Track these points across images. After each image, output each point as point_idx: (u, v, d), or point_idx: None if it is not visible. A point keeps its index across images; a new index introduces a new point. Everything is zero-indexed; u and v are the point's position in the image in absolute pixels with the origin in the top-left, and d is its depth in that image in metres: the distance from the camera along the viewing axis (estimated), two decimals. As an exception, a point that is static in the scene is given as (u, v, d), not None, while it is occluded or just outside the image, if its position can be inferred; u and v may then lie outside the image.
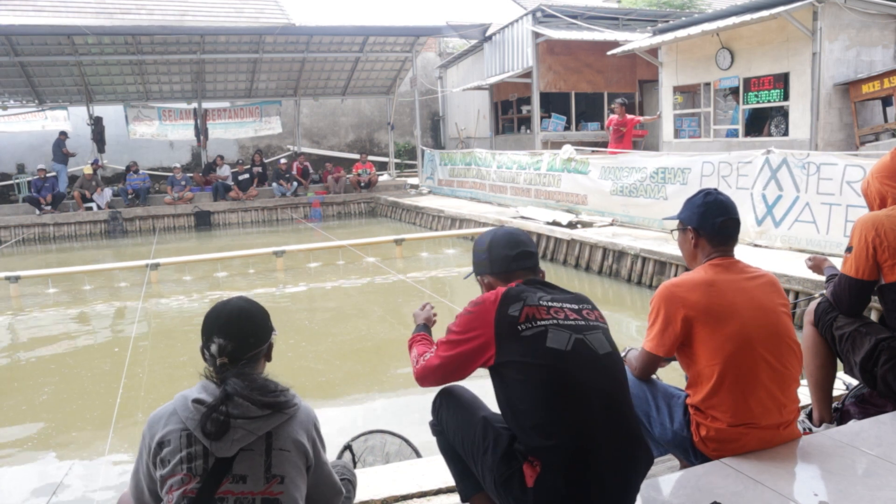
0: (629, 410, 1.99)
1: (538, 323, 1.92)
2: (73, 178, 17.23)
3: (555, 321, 1.94)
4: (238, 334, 1.81)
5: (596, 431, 1.86)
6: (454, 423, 2.15)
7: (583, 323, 1.99)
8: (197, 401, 1.71)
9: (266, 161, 19.81)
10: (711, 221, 2.45)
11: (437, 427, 2.24)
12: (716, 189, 2.57)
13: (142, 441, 1.79)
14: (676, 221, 2.60)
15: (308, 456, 1.79)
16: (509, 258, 2.15)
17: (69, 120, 17.19)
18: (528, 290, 2.01)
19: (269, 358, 1.92)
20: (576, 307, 2.03)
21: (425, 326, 2.47)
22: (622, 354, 2.67)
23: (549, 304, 1.98)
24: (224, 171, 17.20)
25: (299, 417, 1.79)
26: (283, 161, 18.31)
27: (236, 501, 1.67)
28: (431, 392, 2.30)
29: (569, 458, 1.84)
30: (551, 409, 1.86)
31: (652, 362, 2.48)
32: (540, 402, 1.87)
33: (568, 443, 1.84)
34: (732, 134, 12.23)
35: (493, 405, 2.21)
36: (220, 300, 1.91)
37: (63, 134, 16.72)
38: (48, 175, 16.07)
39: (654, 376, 2.60)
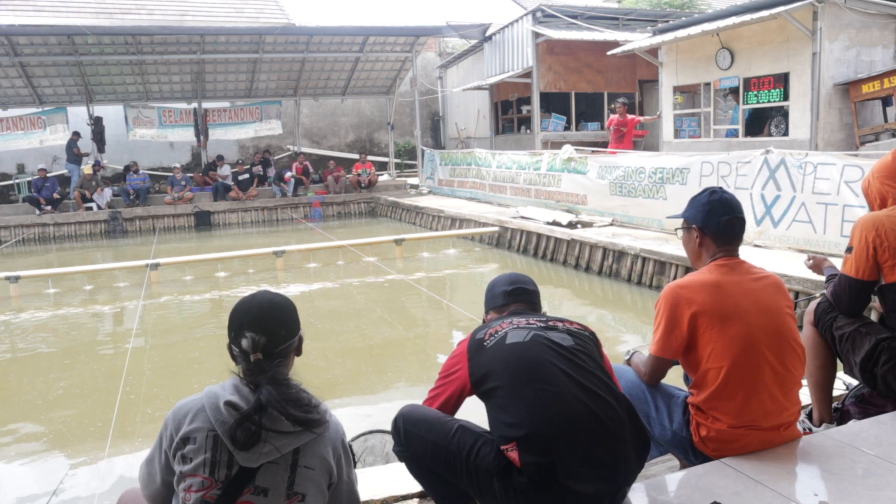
0: (609, 392, 2.01)
1: (498, 332, 2.12)
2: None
3: (514, 327, 2.12)
4: (270, 327, 1.76)
5: (570, 413, 1.90)
6: (424, 441, 2.11)
7: (543, 325, 2.13)
8: (230, 404, 1.65)
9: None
10: (717, 220, 2.43)
11: (406, 453, 2.21)
12: (720, 188, 2.56)
13: (163, 429, 1.74)
14: (680, 221, 2.59)
15: (332, 474, 1.76)
16: (506, 293, 2.37)
17: (68, 130, 17.15)
18: (498, 318, 2.24)
19: (299, 352, 1.88)
20: (543, 319, 2.18)
21: None
22: (625, 358, 2.67)
23: (512, 318, 2.18)
24: (224, 171, 17.19)
25: (328, 435, 1.75)
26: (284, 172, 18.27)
27: None
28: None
29: (545, 439, 1.87)
30: (521, 394, 1.94)
31: (660, 366, 2.46)
32: (511, 392, 1.96)
33: (542, 423, 1.88)
34: (732, 134, 12.23)
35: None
36: (246, 295, 1.85)
37: (76, 134, 16.75)
38: (49, 175, 16.09)
39: None
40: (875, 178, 2.91)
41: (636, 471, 2.02)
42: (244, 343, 1.72)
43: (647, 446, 2.06)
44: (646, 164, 9.66)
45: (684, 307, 2.34)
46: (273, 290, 1.95)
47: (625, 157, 10.42)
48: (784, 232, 7.59)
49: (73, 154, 16.49)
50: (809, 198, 7.27)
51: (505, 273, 2.51)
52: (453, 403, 2.17)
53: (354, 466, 3.05)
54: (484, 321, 2.41)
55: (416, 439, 2.14)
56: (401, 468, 2.90)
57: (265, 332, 1.74)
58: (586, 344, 2.12)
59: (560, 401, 1.91)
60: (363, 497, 2.64)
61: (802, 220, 7.37)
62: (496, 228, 11.57)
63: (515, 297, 2.36)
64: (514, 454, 1.91)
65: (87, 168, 16.02)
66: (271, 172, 17.81)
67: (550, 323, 2.16)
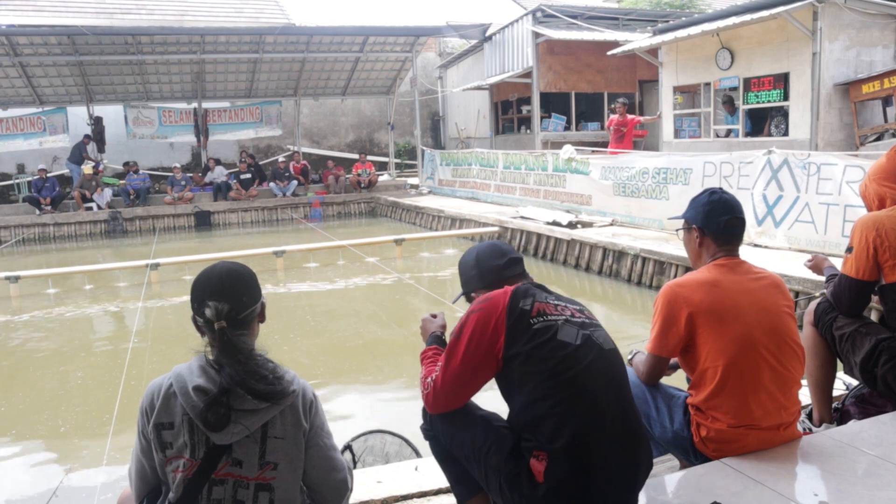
0: (631, 404, 2.02)
1: (549, 317, 1.96)
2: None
3: (564, 317, 1.98)
4: (231, 294, 1.77)
5: (603, 423, 1.88)
6: (450, 426, 2.12)
7: (587, 321, 2.03)
8: (198, 389, 1.69)
9: (264, 161, 19.84)
10: (716, 220, 2.44)
11: (430, 432, 2.21)
12: (720, 188, 2.57)
13: (141, 418, 1.78)
14: (682, 221, 2.60)
15: (305, 433, 1.80)
16: (499, 267, 2.19)
17: (68, 131, 17.15)
18: (533, 288, 2.05)
19: (262, 319, 1.90)
20: (577, 307, 2.08)
21: (438, 338, 2.35)
22: (627, 358, 2.67)
23: (556, 302, 2.03)
24: (217, 173, 17.02)
25: (296, 403, 1.79)
26: (281, 160, 18.32)
27: (235, 483, 1.71)
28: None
29: (576, 451, 1.84)
30: (560, 401, 1.87)
31: (657, 365, 2.46)
32: (548, 395, 1.88)
33: (576, 435, 1.85)
34: (733, 134, 12.22)
35: (490, 407, 2.20)
36: (206, 267, 1.86)
37: (87, 137, 16.76)
38: (49, 175, 16.10)
39: None
40: (872, 181, 2.91)
41: (642, 482, 2.02)
42: (207, 312, 1.74)
43: (651, 457, 2.06)
44: (649, 165, 9.68)
45: (682, 306, 2.34)
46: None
47: (628, 158, 10.43)
48: (786, 232, 7.60)
49: (80, 156, 16.51)
50: (813, 198, 7.29)
51: (480, 245, 2.30)
52: (477, 374, 1.99)
53: (355, 466, 3.06)
54: (471, 297, 2.24)
55: (441, 422, 2.14)
56: (401, 468, 2.91)
57: (227, 299, 1.76)
58: (613, 343, 2.07)
59: (598, 418, 1.87)
60: (363, 497, 2.65)
61: (805, 221, 7.38)
62: (496, 228, 11.57)
63: (510, 269, 2.20)
64: (539, 466, 1.88)
65: (87, 168, 16.02)
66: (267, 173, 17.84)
67: (585, 313, 2.07)
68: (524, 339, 1.92)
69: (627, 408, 1.97)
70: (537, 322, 1.94)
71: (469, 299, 2.27)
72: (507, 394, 2.00)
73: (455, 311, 6.57)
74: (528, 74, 16.59)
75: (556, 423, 1.86)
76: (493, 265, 2.20)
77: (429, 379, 2.09)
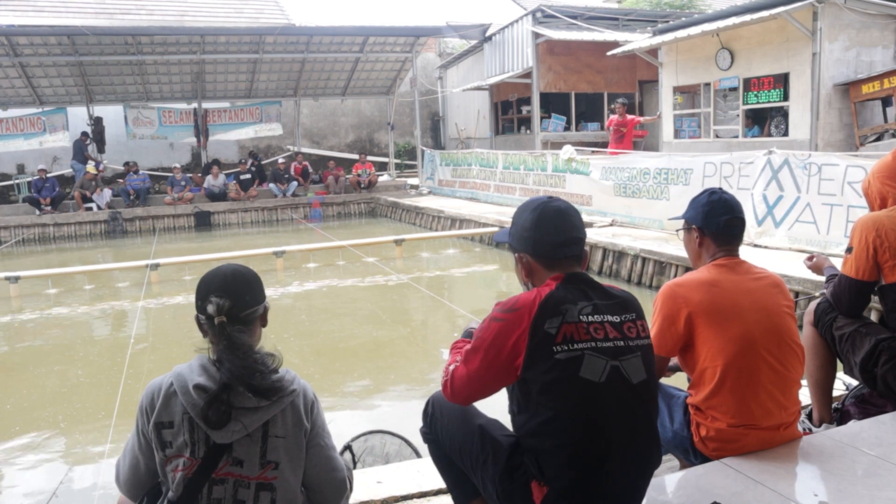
0: (650, 442, 1.91)
1: (575, 346, 1.79)
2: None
3: (592, 344, 1.81)
4: (234, 292, 1.80)
5: (613, 465, 1.82)
6: (448, 432, 2.11)
7: (622, 344, 1.85)
8: (199, 387, 1.70)
9: (265, 161, 19.80)
10: (716, 220, 2.44)
11: (430, 435, 2.20)
12: (720, 188, 2.57)
13: (140, 417, 1.79)
14: (682, 221, 2.60)
15: (306, 432, 1.81)
16: (556, 245, 1.95)
17: (68, 131, 17.15)
18: (569, 296, 1.85)
19: (264, 322, 1.91)
20: (617, 320, 1.88)
21: (471, 333, 2.23)
22: None
23: (590, 319, 1.84)
24: (219, 181, 16.78)
25: (296, 402, 1.79)
26: (281, 161, 18.32)
27: (235, 483, 1.71)
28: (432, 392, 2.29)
29: (580, 487, 1.81)
30: (569, 443, 1.80)
31: (657, 364, 2.46)
32: (558, 433, 1.80)
33: (579, 479, 1.80)
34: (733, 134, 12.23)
35: (490, 411, 2.20)
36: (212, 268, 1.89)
37: (84, 135, 16.76)
38: (49, 175, 16.10)
39: None
40: (875, 179, 2.91)
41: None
42: (209, 308, 1.76)
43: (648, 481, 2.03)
44: (650, 165, 9.68)
45: (681, 305, 2.34)
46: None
47: (629, 158, 10.44)
48: (786, 232, 7.60)
49: (82, 155, 16.54)
50: (815, 198, 7.29)
51: (548, 205, 1.99)
52: (495, 382, 1.90)
53: (355, 467, 3.06)
54: (518, 261, 2.03)
55: (441, 427, 2.13)
56: (401, 468, 2.92)
57: (230, 295, 1.78)
58: (650, 365, 1.92)
59: (609, 460, 1.81)
60: (363, 497, 2.65)
61: (807, 221, 7.38)
62: (496, 229, 11.56)
63: (567, 249, 1.95)
64: (539, 493, 1.85)
65: (91, 168, 16.02)
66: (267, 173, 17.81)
67: (625, 328, 1.87)
68: (544, 367, 1.78)
69: (643, 446, 1.87)
70: (560, 351, 1.78)
71: (513, 251, 2.08)
72: (517, 406, 1.90)
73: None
74: (528, 75, 16.58)
75: (560, 463, 1.80)
76: (551, 241, 1.95)
77: (450, 367, 2.01)
